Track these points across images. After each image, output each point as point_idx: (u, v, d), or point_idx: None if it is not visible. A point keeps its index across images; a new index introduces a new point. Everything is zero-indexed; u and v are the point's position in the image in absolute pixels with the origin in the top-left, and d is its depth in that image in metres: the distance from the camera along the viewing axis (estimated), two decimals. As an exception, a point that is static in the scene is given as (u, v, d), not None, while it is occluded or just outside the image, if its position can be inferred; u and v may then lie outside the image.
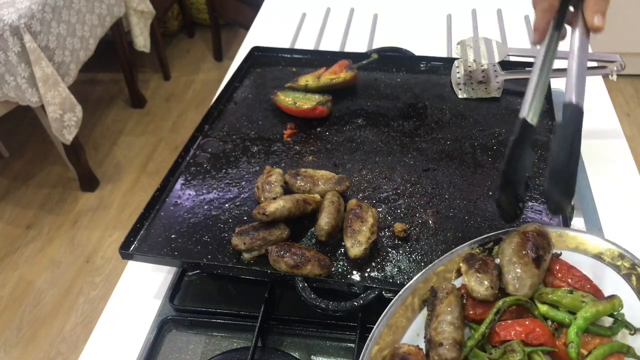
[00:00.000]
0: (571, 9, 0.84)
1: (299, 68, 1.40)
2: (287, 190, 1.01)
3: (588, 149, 1.19)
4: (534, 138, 0.75)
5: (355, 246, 0.88)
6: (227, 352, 0.86)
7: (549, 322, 0.72)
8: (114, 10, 2.82)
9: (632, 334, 0.68)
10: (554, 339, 0.70)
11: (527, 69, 1.33)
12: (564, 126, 0.74)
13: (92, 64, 2.74)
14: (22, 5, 2.15)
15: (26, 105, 2.36)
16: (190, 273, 0.97)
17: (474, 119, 1.19)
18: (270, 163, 1.12)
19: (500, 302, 0.72)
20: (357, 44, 1.60)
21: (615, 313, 0.70)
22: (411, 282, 0.79)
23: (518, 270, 0.74)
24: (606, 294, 0.74)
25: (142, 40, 3.17)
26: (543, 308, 0.72)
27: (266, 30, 1.73)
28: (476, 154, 1.10)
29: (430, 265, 0.81)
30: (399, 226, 0.94)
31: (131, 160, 3.07)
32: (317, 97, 1.23)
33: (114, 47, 3.11)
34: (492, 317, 0.71)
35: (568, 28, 0.85)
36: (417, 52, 1.46)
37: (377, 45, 1.56)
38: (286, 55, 1.46)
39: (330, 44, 1.60)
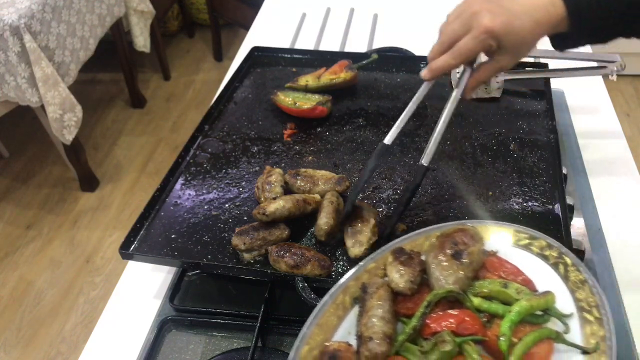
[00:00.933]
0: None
1: (299, 68, 1.40)
2: (287, 190, 1.01)
3: (588, 149, 1.19)
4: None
5: (356, 246, 0.88)
6: (227, 352, 0.86)
7: (482, 314, 0.73)
8: (114, 10, 2.82)
9: (567, 333, 0.70)
10: (485, 328, 0.70)
11: (527, 69, 1.34)
12: (412, 182, 0.90)
13: (92, 64, 2.74)
14: (22, 5, 2.15)
15: (26, 105, 2.36)
16: (190, 273, 0.97)
17: (474, 119, 1.19)
18: (270, 163, 1.12)
19: (431, 295, 0.72)
20: (357, 44, 1.60)
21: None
22: (342, 280, 0.79)
23: (440, 268, 0.75)
24: (536, 284, 0.75)
25: (142, 40, 3.17)
26: (476, 300, 0.73)
27: (266, 30, 1.73)
28: (476, 154, 1.10)
29: (361, 263, 0.81)
30: (400, 226, 0.94)
31: (131, 160, 3.07)
32: (317, 97, 1.23)
33: (114, 47, 3.11)
34: (422, 310, 0.71)
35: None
36: (417, 52, 1.46)
37: (377, 45, 1.56)
38: (286, 55, 1.46)
39: (330, 44, 1.60)
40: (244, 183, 1.07)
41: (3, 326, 2.29)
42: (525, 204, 0.98)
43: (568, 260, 0.76)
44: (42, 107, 2.34)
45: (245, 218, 0.99)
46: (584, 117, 1.28)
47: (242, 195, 1.05)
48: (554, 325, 0.71)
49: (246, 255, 0.91)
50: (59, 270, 2.50)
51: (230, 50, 3.83)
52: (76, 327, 2.27)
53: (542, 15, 0.80)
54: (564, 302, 0.72)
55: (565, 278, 0.75)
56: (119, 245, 0.94)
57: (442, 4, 1.74)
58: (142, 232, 0.98)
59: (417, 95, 0.95)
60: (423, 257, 0.79)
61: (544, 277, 0.76)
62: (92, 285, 2.44)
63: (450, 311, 0.71)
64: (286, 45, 1.60)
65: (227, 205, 1.02)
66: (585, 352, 0.67)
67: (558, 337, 0.69)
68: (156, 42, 3.41)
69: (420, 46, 1.49)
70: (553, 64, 1.32)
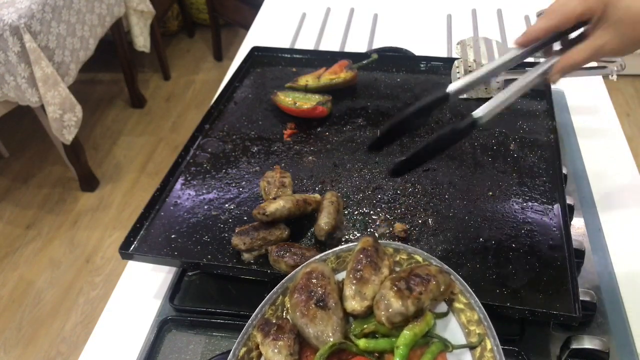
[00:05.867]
0: (558, 47, 0.83)
1: (299, 68, 1.40)
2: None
3: (588, 148, 1.19)
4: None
5: (357, 299, 0.73)
6: (227, 352, 0.86)
7: (371, 355, 0.70)
8: (114, 10, 2.82)
9: (450, 352, 0.70)
10: None
11: (527, 69, 1.33)
12: (457, 129, 0.77)
13: (92, 64, 2.74)
14: (22, 5, 2.15)
15: (26, 105, 2.36)
16: (190, 273, 0.97)
17: (474, 119, 1.19)
18: (270, 163, 1.12)
19: (317, 357, 0.67)
20: (357, 44, 1.60)
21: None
22: None
23: (312, 323, 0.70)
24: None
25: (142, 40, 3.17)
26: (362, 343, 0.69)
27: (266, 30, 1.73)
28: (476, 154, 1.10)
29: (231, 352, 0.74)
30: (399, 226, 0.94)
31: (131, 160, 3.07)
32: (317, 97, 1.23)
33: (114, 47, 3.11)
34: None
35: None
36: (417, 52, 1.46)
37: (377, 45, 1.56)
38: (286, 55, 1.46)
39: (330, 44, 1.60)
40: (244, 183, 1.07)
41: (3, 326, 2.29)
42: (525, 204, 0.98)
43: (419, 258, 0.77)
44: (42, 107, 2.34)
45: (245, 218, 0.99)
46: (584, 117, 1.28)
47: (242, 195, 1.05)
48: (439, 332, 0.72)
49: (246, 255, 0.91)
50: (59, 270, 2.50)
51: (230, 50, 3.83)
52: (76, 327, 2.27)
53: None
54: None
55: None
56: (119, 245, 0.94)
57: (442, 4, 1.75)
58: (142, 232, 0.98)
59: (501, 57, 0.82)
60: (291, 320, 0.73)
61: None
62: (92, 285, 2.44)
63: None
64: (286, 45, 1.60)
65: (227, 205, 1.02)
66: (473, 347, 0.69)
67: (447, 347, 0.69)
68: (156, 42, 3.41)
69: (420, 46, 1.50)
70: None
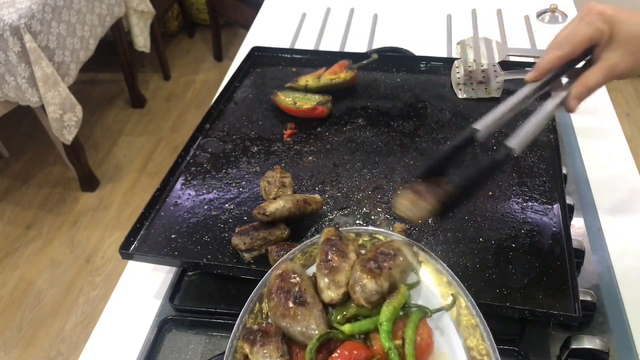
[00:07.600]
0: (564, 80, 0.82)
1: (299, 68, 1.40)
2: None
3: (588, 148, 1.20)
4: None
5: (332, 288, 0.75)
6: (227, 352, 0.86)
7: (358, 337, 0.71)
8: (114, 10, 2.82)
9: (430, 316, 0.73)
10: (371, 349, 0.69)
11: (527, 69, 1.34)
12: (495, 161, 0.76)
13: (92, 64, 2.74)
14: (22, 5, 2.15)
15: (26, 105, 2.36)
16: (190, 273, 0.97)
17: (474, 119, 1.19)
18: (270, 163, 1.12)
19: (307, 354, 0.67)
20: (357, 44, 1.60)
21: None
22: None
23: (294, 322, 0.70)
24: None
25: (142, 40, 3.17)
26: (347, 328, 0.70)
27: (266, 30, 1.73)
28: (476, 153, 1.10)
29: None
30: (399, 226, 0.94)
31: (131, 160, 3.07)
32: (317, 97, 1.23)
33: (114, 47, 3.11)
34: None
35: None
36: (417, 52, 1.46)
37: (377, 45, 1.56)
38: (286, 55, 1.46)
39: (330, 44, 1.60)
40: (244, 183, 1.07)
41: (3, 326, 2.29)
42: (525, 204, 0.98)
43: (380, 237, 0.80)
44: (42, 107, 2.34)
45: (245, 218, 0.99)
46: (584, 117, 1.29)
47: (242, 195, 1.05)
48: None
49: (246, 255, 0.91)
50: (59, 270, 2.50)
51: (230, 50, 3.83)
52: (76, 327, 2.27)
53: None
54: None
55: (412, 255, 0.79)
56: (119, 245, 0.94)
57: (442, 4, 1.75)
58: (142, 232, 0.98)
59: (517, 94, 0.81)
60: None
61: None
62: (92, 285, 2.44)
63: (333, 356, 0.67)
64: (286, 45, 1.60)
65: (227, 205, 1.02)
66: (449, 308, 0.73)
67: (426, 313, 0.72)
68: (156, 42, 3.41)
69: (420, 46, 1.50)
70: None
